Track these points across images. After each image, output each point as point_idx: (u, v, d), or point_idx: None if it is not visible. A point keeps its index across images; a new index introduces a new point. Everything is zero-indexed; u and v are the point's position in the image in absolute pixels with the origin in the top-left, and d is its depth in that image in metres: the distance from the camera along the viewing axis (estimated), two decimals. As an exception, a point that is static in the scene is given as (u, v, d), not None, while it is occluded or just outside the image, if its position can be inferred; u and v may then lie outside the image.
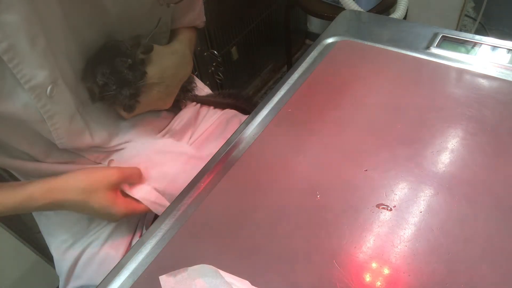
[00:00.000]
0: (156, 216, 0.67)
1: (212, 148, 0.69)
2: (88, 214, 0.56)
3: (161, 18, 0.59)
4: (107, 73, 0.50)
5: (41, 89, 0.45)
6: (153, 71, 0.56)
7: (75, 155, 0.59)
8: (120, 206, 0.54)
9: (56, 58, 0.46)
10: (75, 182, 0.51)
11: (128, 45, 0.53)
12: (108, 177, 0.53)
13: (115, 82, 0.51)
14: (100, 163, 0.61)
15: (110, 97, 0.53)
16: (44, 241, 0.67)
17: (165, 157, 0.63)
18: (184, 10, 0.65)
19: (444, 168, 0.51)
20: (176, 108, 0.69)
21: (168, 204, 0.55)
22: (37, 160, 0.56)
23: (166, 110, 0.67)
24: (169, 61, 0.59)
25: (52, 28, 0.45)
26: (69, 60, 0.50)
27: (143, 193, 0.58)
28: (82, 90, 0.54)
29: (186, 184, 0.54)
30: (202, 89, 0.80)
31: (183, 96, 0.70)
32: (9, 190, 0.49)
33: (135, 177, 0.58)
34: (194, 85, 0.72)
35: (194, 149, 0.68)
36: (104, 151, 0.61)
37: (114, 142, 0.61)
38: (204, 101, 0.76)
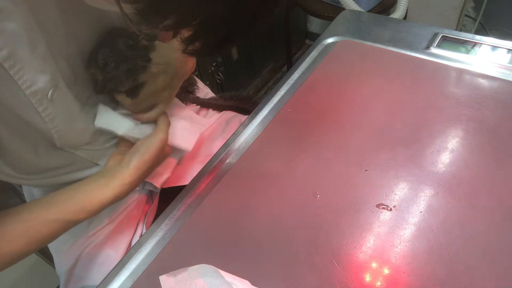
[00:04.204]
0: (156, 216, 0.67)
1: (212, 148, 0.69)
2: None
3: None
4: (106, 51, 0.51)
5: (42, 93, 0.45)
6: (158, 58, 0.56)
7: (70, 156, 0.59)
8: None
9: (57, 61, 0.47)
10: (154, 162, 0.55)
11: (132, 31, 0.53)
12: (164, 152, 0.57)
13: (114, 59, 0.51)
14: (98, 164, 0.61)
15: (111, 80, 0.53)
16: (44, 241, 0.67)
17: None
18: None
19: (444, 168, 0.50)
20: None
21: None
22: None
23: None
24: (170, 56, 0.60)
25: (52, 33, 0.45)
26: (69, 63, 0.50)
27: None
28: (83, 91, 0.54)
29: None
30: (202, 89, 0.80)
31: (184, 97, 0.70)
32: (99, 189, 0.52)
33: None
34: (195, 87, 0.72)
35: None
36: (101, 149, 0.61)
37: (114, 140, 0.61)
38: (205, 104, 0.76)
